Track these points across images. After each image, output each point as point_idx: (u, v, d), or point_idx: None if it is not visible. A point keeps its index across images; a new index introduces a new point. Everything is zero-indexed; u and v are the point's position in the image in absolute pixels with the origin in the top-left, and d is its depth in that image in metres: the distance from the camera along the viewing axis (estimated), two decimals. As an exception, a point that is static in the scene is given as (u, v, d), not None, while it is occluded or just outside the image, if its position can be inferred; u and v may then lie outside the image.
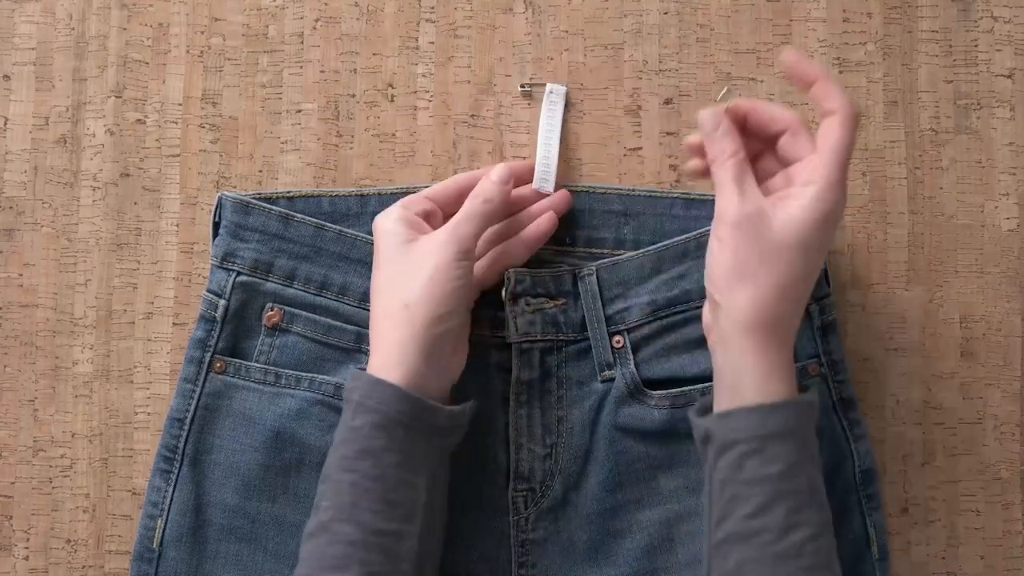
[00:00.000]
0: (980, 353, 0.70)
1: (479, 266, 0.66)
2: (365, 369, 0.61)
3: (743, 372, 0.56)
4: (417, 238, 0.62)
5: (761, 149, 0.61)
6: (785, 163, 0.59)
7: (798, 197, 0.56)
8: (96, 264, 0.71)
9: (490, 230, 0.66)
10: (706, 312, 0.62)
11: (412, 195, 0.65)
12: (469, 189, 0.65)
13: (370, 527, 0.56)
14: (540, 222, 0.67)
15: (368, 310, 0.67)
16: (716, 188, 0.58)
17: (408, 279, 0.60)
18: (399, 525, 0.57)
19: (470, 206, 0.62)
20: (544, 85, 0.70)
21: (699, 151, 0.61)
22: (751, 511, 0.54)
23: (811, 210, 0.55)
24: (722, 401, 0.58)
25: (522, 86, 0.71)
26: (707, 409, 0.59)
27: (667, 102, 0.71)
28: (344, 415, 0.59)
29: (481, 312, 0.67)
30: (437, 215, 0.65)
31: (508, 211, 0.67)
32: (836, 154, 0.56)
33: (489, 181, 0.64)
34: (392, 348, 0.60)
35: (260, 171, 0.71)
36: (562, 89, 0.69)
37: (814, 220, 0.55)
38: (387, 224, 0.62)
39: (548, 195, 0.68)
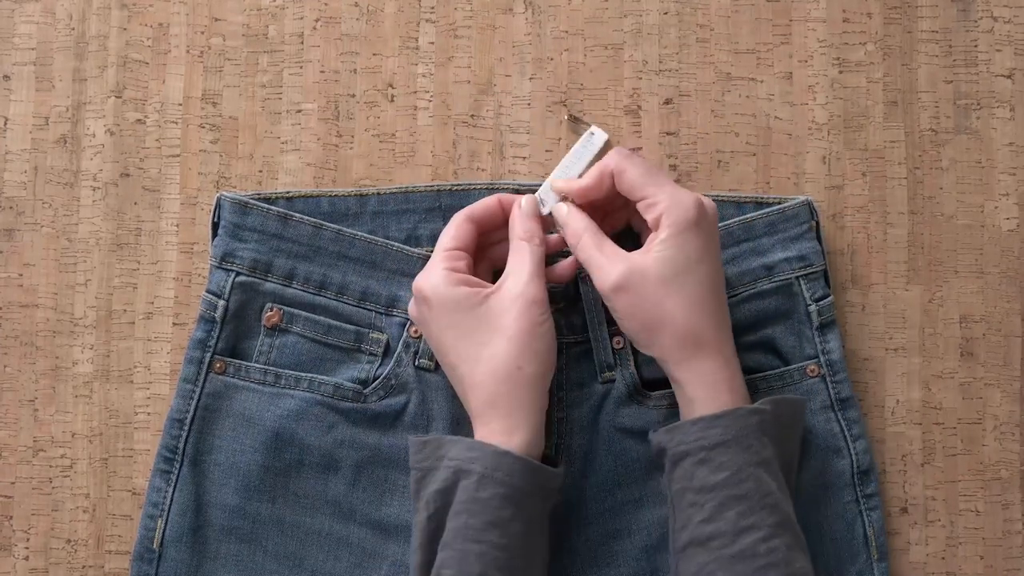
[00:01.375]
0: (980, 353, 0.70)
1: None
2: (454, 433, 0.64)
3: (692, 399, 0.60)
4: (484, 297, 0.61)
5: (625, 202, 0.64)
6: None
7: (655, 231, 0.60)
8: (96, 264, 0.71)
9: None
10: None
11: (443, 252, 0.63)
12: (486, 224, 0.64)
13: None
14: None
15: (369, 310, 0.67)
16: (590, 270, 0.61)
17: (505, 341, 0.60)
18: None
19: (527, 254, 0.62)
20: (589, 126, 0.68)
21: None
22: (705, 517, 0.56)
23: (668, 235, 0.59)
24: (684, 414, 0.61)
25: (571, 117, 0.70)
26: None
27: (667, 102, 0.71)
28: (464, 484, 0.58)
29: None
30: (470, 262, 0.64)
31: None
32: (649, 181, 0.60)
33: (528, 220, 0.63)
34: (516, 411, 0.60)
35: (260, 171, 0.71)
36: (603, 136, 0.67)
37: (675, 243, 0.59)
38: (445, 289, 0.61)
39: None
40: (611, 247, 0.61)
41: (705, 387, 0.59)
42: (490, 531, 0.57)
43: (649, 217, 0.60)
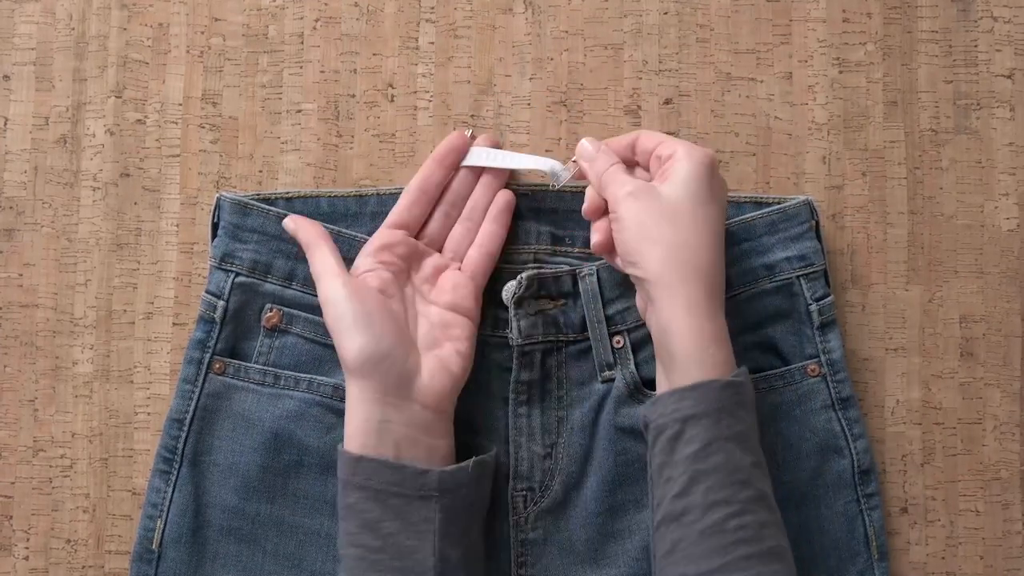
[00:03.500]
0: (980, 353, 0.70)
1: (472, 259, 0.67)
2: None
3: (672, 335, 0.58)
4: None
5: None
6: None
7: (672, 165, 0.60)
8: (96, 264, 0.71)
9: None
10: (638, 297, 0.64)
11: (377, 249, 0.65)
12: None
13: None
14: (498, 200, 0.68)
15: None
16: (607, 190, 0.61)
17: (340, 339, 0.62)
18: None
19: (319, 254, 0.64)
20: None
21: (596, 213, 0.64)
22: (677, 491, 0.56)
23: (685, 170, 0.60)
24: (661, 384, 0.60)
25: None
26: None
27: (667, 102, 0.71)
28: (339, 493, 0.60)
29: (483, 311, 0.67)
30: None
31: (460, 199, 0.68)
32: (669, 138, 0.62)
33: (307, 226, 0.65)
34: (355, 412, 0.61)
35: (260, 171, 0.71)
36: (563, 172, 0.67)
37: (691, 178, 0.59)
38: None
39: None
40: (634, 175, 0.63)
41: (691, 326, 0.57)
42: (363, 533, 0.58)
43: (667, 161, 0.61)
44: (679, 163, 0.60)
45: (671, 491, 0.56)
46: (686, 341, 0.57)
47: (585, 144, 0.64)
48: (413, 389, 0.61)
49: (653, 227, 0.59)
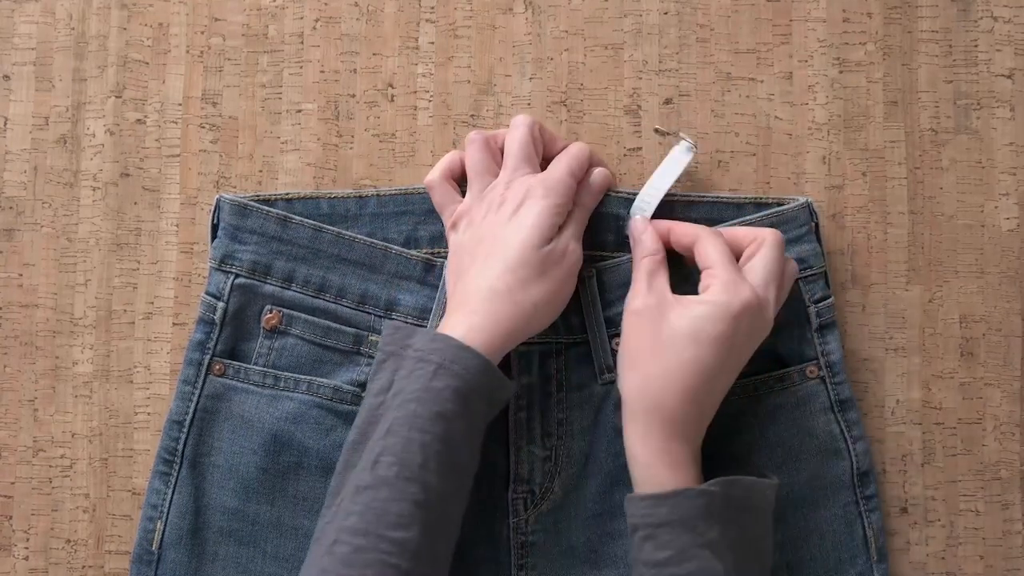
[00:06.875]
0: (980, 353, 0.70)
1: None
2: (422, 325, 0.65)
3: (630, 458, 0.60)
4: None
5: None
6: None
7: (702, 295, 0.60)
8: (96, 264, 0.71)
9: None
10: None
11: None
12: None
13: (434, 489, 0.56)
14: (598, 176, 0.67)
15: (368, 313, 0.67)
16: (634, 276, 0.63)
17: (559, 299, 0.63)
18: (454, 489, 0.58)
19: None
20: (677, 134, 0.68)
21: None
22: None
23: (704, 310, 0.59)
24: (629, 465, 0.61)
25: (656, 130, 0.70)
26: None
27: (667, 102, 0.71)
28: (419, 371, 0.57)
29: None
30: None
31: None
32: (719, 261, 0.61)
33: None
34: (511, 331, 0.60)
35: (260, 171, 0.71)
36: (688, 154, 0.67)
37: (708, 313, 0.59)
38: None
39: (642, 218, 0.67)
40: (662, 280, 0.62)
41: (643, 456, 0.59)
42: (437, 423, 0.56)
43: (702, 284, 0.61)
44: (706, 303, 0.59)
45: None
46: (640, 468, 0.59)
47: (637, 223, 0.65)
48: None
49: (641, 353, 0.60)
